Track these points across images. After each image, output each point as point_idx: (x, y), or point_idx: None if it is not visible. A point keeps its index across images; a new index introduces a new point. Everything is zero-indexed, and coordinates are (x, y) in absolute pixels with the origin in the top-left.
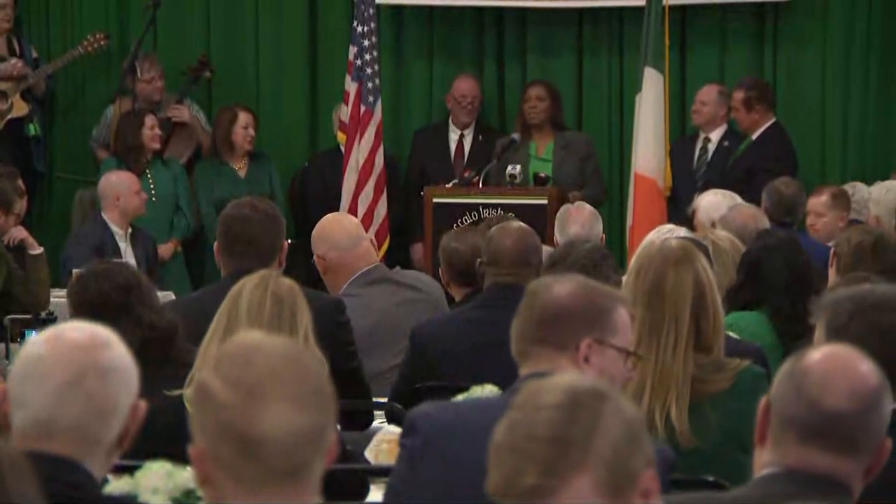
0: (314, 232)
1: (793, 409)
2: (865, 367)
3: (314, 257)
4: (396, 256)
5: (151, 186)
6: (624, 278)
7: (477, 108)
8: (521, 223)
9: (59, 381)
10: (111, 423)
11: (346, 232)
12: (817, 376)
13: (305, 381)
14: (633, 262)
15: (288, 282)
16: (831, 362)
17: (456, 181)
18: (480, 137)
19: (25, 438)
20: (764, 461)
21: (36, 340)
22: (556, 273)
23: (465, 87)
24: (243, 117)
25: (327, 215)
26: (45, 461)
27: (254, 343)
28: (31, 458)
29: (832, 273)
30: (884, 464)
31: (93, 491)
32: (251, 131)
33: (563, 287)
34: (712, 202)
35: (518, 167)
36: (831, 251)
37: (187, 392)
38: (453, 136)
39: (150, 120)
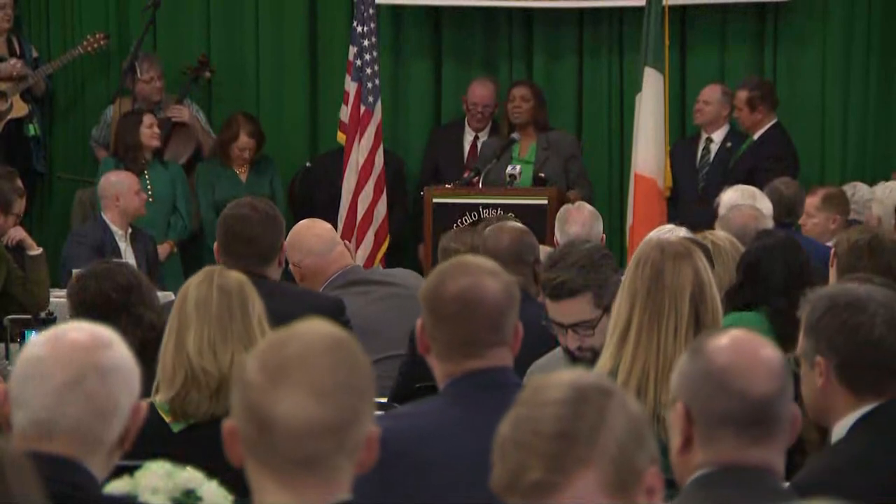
0: (288, 241)
1: (723, 405)
2: (768, 347)
3: (290, 266)
4: (402, 258)
5: (149, 187)
6: (622, 278)
7: (489, 116)
8: (517, 223)
9: (59, 382)
10: (112, 423)
11: (320, 238)
12: (738, 369)
13: (334, 373)
14: (633, 256)
15: (235, 274)
16: (741, 351)
17: (456, 181)
18: (486, 140)
19: (26, 439)
20: (694, 464)
21: (36, 341)
22: (556, 272)
23: (478, 94)
24: (243, 140)
25: (299, 223)
26: (46, 461)
27: (300, 329)
28: (31, 458)
29: (833, 273)
30: (798, 428)
31: (94, 491)
32: (246, 155)
33: (492, 284)
34: (732, 199)
35: (518, 167)
36: (832, 251)
37: (156, 399)
38: (468, 138)
39: (148, 119)
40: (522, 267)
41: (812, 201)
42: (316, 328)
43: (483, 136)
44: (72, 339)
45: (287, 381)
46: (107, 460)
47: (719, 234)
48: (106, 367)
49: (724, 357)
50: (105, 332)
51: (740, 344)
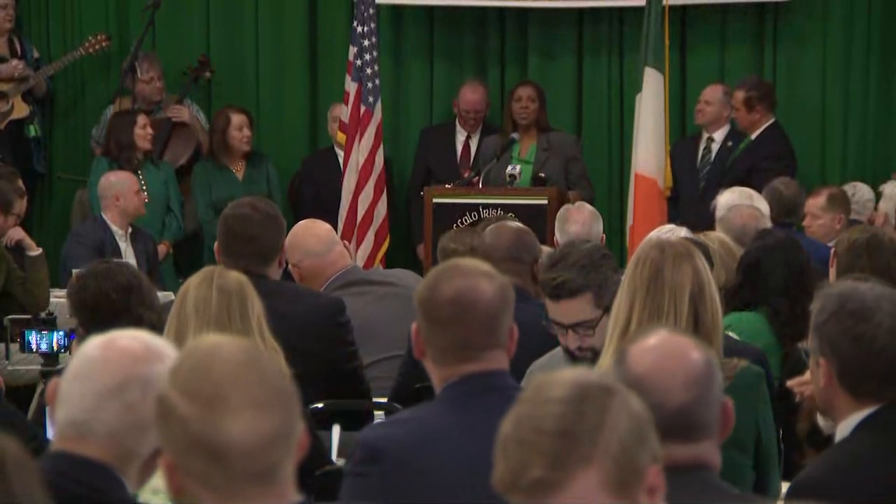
0: (287, 241)
1: None
2: (691, 352)
3: (289, 266)
4: (402, 258)
5: (144, 187)
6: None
7: (480, 121)
8: (517, 223)
9: (101, 386)
10: (147, 436)
11: (319, 238)
12: (654, 380)
13: (265, 383)
14: (633, 256)
15: (234, 274)
16: (659, 360)
17: (457, 181)
18: (486, 139)
19: (62, 438)
20: None
21: (94, 341)
22: (557, 272)
23: (468, 99)
24: (236, 119)
25: (299, 223)
26: (75, 463)
27: (209, 350)
28: (62, 458)
29: (833, 273)
30: (732, 422)
31: (117, 496)
32: (247, 132)
33: (486, 286)
34: (729, 200)
35: (518, 167)
36: (832, 251)
37: None
38: (460, 138)
39: (142, 119)
40: (520, 266)
41: (816, 202)
42: (224, 345)
43: (475, 136)
44: (123, 345)
45: (227, 405)
46: (141, 472)
47: (712, 236)
48: (150, 380)
49: (641, 367)
50: (159, 345)
51: (659, 352)
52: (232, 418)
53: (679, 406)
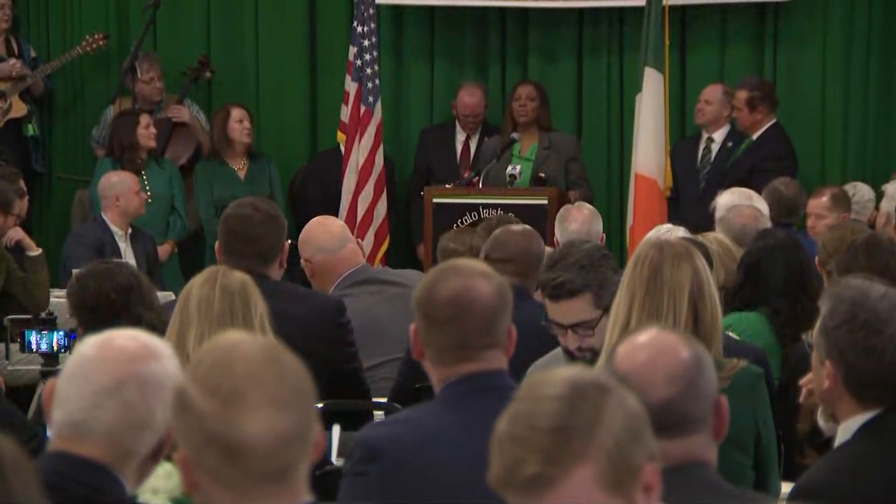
0: (300, 236)
1: None
2: (676, 348)
3: (301, 261)
4: (402, 258)
5: (147, 187)
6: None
7: (479, 123)
8: (526, 225)
9: (98, 386)
10: (145, 435)
11: (331, 235)
12: (636, 375)
13: (285, 382)
14: (632, 255)
15: (238, 274)
16: (642, 356)
17: (457, 181)
18: (486, 139)
19: (60, 438)
20: None
21: (90, 340)
22: (556, 272)
23: (466, 103)
24: (235, 112)
25: (313, 219)
26: (74, 463)
27: (231, 347)
28: (61, 458)
29: (824, 274)
30: (727, 418)
31: (116, 496)
32: (247, 124)
33: (484, 286)
34: (729, 201)
35: (518, 167)
36: (816, 258)
37: None
38: (459, 138)
39: (144, 119)
40: (535, 272)
41: (820, 202)
42: (247, 342)
43: (475, 136)
44: (120, 345)
45: (245, 402)
46: (139, 471)
47: (710, 236)
48: (147, 379)
49: (625, 364)
50: (157, 345)
51: (645, 349)
52: (249, 416)
53: (661, 401)
